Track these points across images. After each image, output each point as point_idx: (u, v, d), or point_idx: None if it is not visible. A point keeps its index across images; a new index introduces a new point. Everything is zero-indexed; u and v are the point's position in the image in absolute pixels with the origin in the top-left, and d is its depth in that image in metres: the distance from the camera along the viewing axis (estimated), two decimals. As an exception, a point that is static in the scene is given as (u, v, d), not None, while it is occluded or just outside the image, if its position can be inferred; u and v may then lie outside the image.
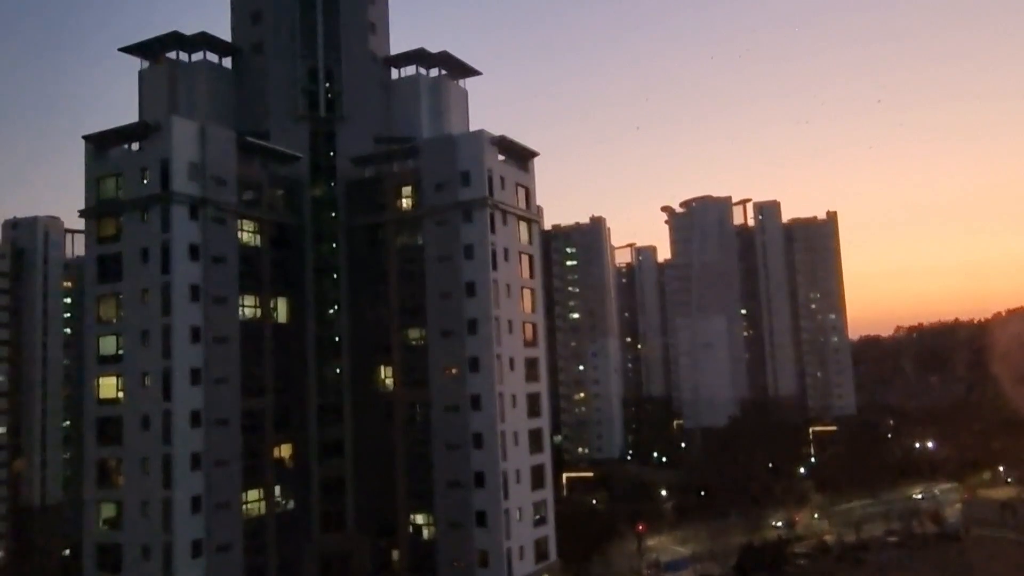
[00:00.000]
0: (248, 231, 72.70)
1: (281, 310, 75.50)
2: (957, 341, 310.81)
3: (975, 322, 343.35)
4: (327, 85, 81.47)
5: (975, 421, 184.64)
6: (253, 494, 69.54)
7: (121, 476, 65.74)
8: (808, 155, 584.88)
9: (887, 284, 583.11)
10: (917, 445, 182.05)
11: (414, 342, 75.71)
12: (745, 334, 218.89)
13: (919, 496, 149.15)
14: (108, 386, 67.44)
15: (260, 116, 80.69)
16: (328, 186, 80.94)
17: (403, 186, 78.10)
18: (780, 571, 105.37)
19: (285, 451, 73.97)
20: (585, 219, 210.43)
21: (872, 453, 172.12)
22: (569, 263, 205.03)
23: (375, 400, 76.83)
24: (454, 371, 72.37)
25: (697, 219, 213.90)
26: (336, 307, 79.60)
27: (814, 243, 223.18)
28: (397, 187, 78.41)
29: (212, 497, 64.67)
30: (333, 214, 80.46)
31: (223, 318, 67.82)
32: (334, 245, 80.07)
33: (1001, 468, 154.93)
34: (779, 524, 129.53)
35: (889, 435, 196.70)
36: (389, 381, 76.65)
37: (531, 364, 76.97)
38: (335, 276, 79.69)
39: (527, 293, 78.27)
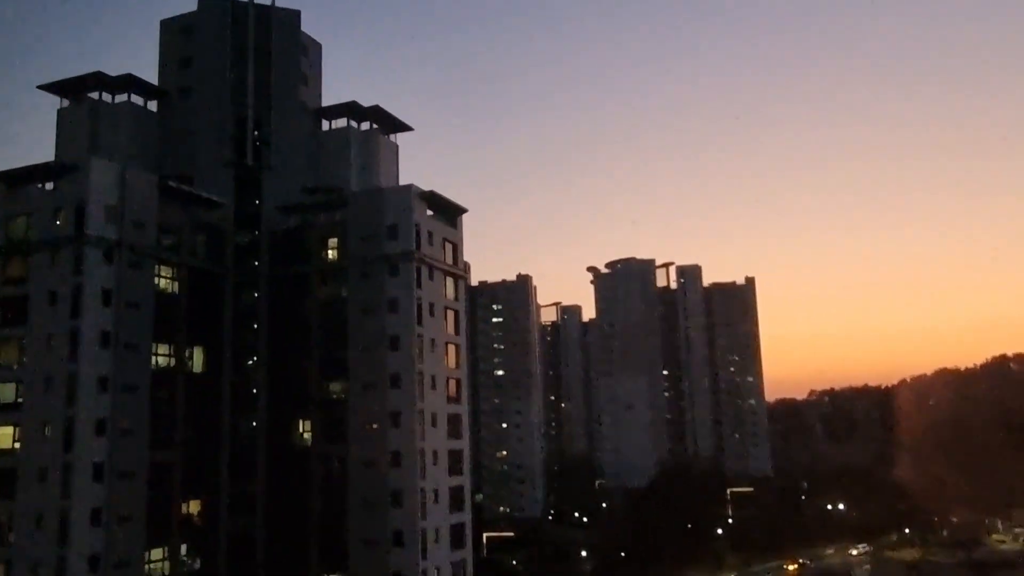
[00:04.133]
0: (166, 277, 70.55)
1: (197, 359, 73.05)
2: (866, 405, 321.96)
3: (883, 387, 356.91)
4: (255, 133, 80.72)
5: (883, 483, 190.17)
6: (157, 553, 66.05)
7: (12, 533, 61.64)
8: (729, 221, 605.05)
9: (802, 348, 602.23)
10: (829, 507, 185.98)
11: (335, 396, 74.13)
12: (666, 394, 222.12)
13: (829, 557, 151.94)
14: (3, 436, 63.66)
15: (184, 161, 79.23)
16: (252, 234, 79.52)
17: (329, 237, 77.35)
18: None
19: (194, 507, 70.79)
20: (512, 276, 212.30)
21: (786, 514, 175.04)
22: (494, 319, 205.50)
23: (291, 455, 74.54)
24: (375, 426, 70.96)
25: (621, 280, 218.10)
26: (255, 358, 77.53)
27: (733, 307, 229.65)
28: (323, 238, 77.61)
29: (112, 555, 61.16)
30: (256, 263, 78.93)
31: (134, 366, 65.21)
32: (256, 294, 78.36)
33: (907, 530, 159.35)
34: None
35: (803, 496, 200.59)
36: (307, 435, 74.60)
37: (454, 420, 76.16)
38: (255, 326, 77.78)
39: (451, 348, 77.83)
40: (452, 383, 77.13)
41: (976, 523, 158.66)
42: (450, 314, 78.32)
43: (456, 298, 79.92)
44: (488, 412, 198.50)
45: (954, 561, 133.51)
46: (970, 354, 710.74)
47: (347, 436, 71.95)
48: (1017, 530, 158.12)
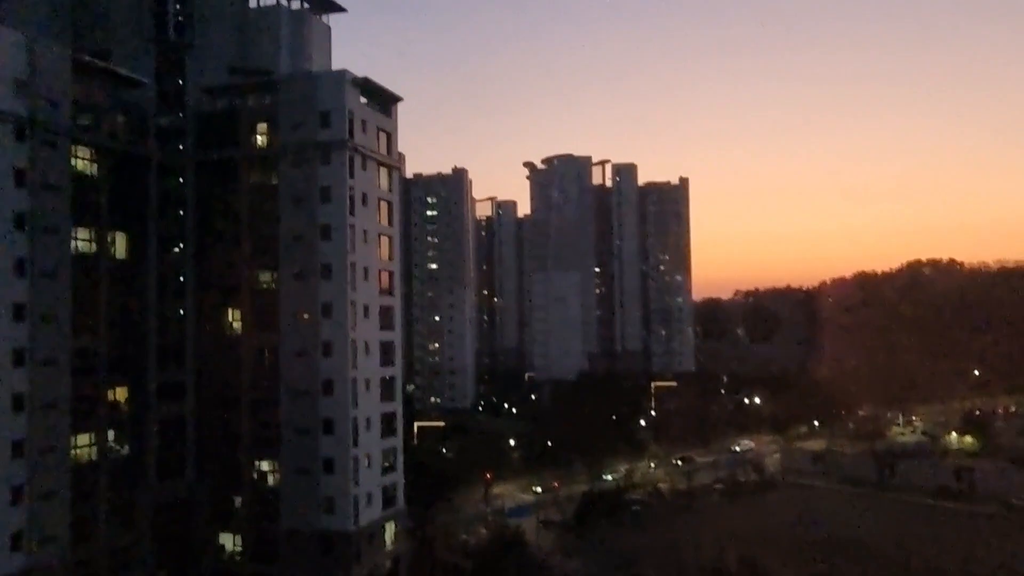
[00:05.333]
0: (84, 158, 67.23)
1: (120, 245, 70.75)
2: (788, 306, 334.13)
3: (804, 289, 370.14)
4: (177, 7, 76.05)
5: (798, 380, 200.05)
6: (83, 439, 65.53)
7: (-71, 418, 60.18)
8: (665, 120, 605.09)
9: (729, 249, 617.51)
10: (746, 401, 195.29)
11: (265, 285, 73.28)
12: (597, 291, 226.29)
13: (744, 448, 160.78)
14: (-85, 320, 61.20)
15: (102, 36, 74.48)
16: (176, 116, 76.09)
17: (258, 122, 74.61)
18: (616, 517, 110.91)
19: (121, 394, 70.02)
20: (447, 169, 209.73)
21: (706, 408, 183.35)
22: (429, 213, 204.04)
23: (221, 343, 74.02)
24: (306, 316, 70.71)
25: (557, 176, 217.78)
26: (182, 245, 75.59)
27: (666, 206, 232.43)
28: (252, 122, 74.82)
29: (36, 441, 60.49)
30: (181, 147, 75.87)
31: (53, 250, 62.79)
32: (181, 180, 75.68)
33: (816, 423, 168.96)
34: (618, 474, 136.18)
35: (723, 391, 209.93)
36: (237, 324, 73.94)
37: (386, 312, 76.35)
38: (181, 213, 75.50)
39: (384, 240, 77.22)
40: (385, 275, 76.92)
41: (880, 417, 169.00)
42: (383, 205, 77.30)
43: (390, 189, 78.75)
44: (421, 305, 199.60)
45: (857, 451, 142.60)
46: (888, 259, 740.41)
47: (278, 325, 71.58)
48: (916, 423, 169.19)
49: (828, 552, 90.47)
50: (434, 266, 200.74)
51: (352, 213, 71.22)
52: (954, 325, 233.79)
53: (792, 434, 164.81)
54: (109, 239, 69.18)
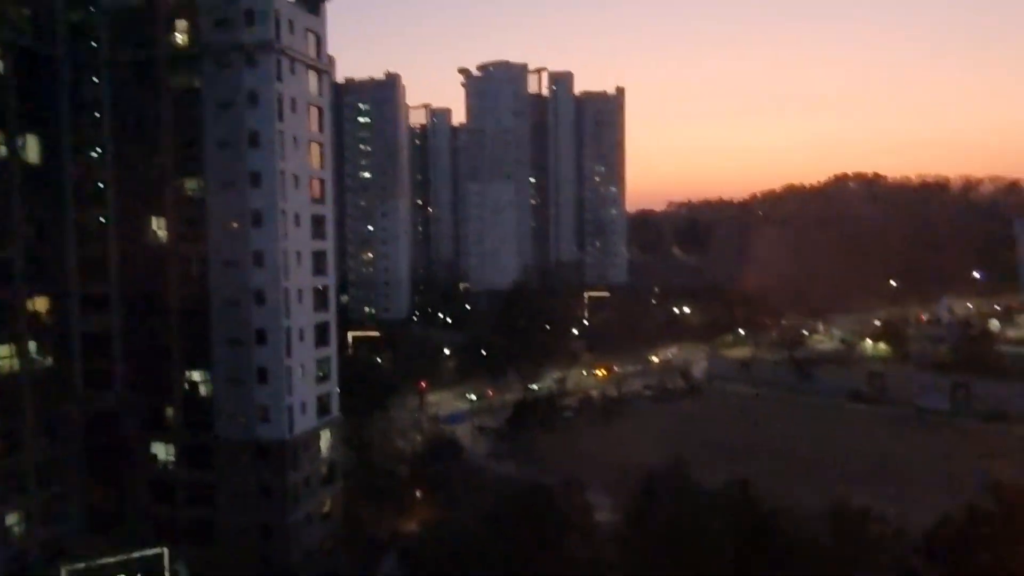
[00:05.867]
0: (-12, 55, 62.87)
1: (31, 149, 67.12)
2: (720, 218, 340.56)
3: (736, 201, 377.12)
4: None
5: (727, 290, 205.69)
6: (3, 350, 63.60)
7: None
8: (601, 28, 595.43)
9: (663, 161, 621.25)
10: (677, 311, 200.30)
11: (191, 193, 70.75)
12: (532, 202, 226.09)
13: (673, 356, 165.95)
14: None
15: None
16: (87, 11, 71.33)
17: (176, 19, 70.42)
18: (549, 423, 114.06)
19: (41, 304, 67.71)
20: (380, 75, 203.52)
21: (638, 318, 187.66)
22: (361, 119, 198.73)
23: (146, 254, 71.66)
24: (235, 225, 68.84)
25: (493, 84, 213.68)
26: (100, 150, 72.14)
27: (602, 117, 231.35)
28: (169, 20, 70.51)
29: (-48, 353, 58.42)
30: (94, 44, 71.43)
31: (-42, 154, 59.30)
32: (96, 81, 71.59)
33: (742, 331, 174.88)
34: (552, 382, 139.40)
35: (654, 301, 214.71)
36: (162, 234, 71.60)
37: (317, 221, 74.87)
38: (98, 115, 71.72)
39: (315, 147, 75.05)
40: (316, 183, 75.11)
41: (802, 326, 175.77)
42: (313, 111, 74.81)
43: (320, 94, 76.07)
44: (354, 215, 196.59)
45: (779, 358, 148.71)
46: (816, 172, 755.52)
47: (206, 235, 69.57)
48: (835, 332, 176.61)
49: (748, 451, 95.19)
50: (367, 175, 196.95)
51: (281, 119, 68.73)
52: (875, 238, 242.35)
53: (719, 343, 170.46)
54: (20, 142, 65.56)
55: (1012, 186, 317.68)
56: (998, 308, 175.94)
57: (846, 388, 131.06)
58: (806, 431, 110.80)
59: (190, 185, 70.71)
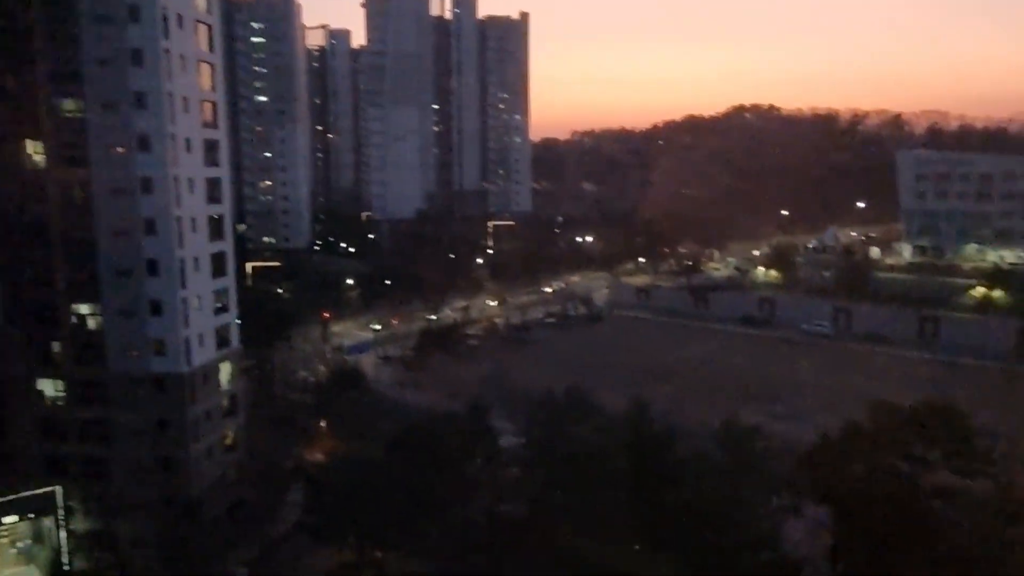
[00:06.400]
0: None
1: None
2: (622, 148, 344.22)
3: (638, 131, 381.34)
4: None
5: (628, 219, 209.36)
6: None
7: None
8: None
9: (567, 90, 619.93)
10: (580, 240, 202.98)
11: (70, 114, 66.23)
12: (435, 128, 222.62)
13: (574, 284, 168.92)
14: None
15: None
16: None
17: (46, -78, 64.70)
18: (454, 351, 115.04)
19: (-95, 235, 62.97)
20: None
21: (542, 247, 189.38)
22: (254, 40, 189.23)
23: (22, 179, 67.04)
24: (120, 150, 65.13)
25: (394, 6, 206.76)
26: (-38, 65, 66.41)
27: (506, 43, 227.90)
28: (38, -77, 64.77)
29: None
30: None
31: None
32: (-46, -13, 65.44)
33: (642, 260, 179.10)
34: (456, 310, 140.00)
35: (557, 231, 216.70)
36: (39, 158, 67.07)
37: (210, 147, 71.61)
38: (-41, 27, 65.79)
39: (205, 68, 71.20)
40: (207, 106, 71.56)
41: (699, 254, 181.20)
42: (202, 28, 70.69)
43: (208, 11, 71.83)
44: (250, 141, 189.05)
45: (676, 285, 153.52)
46: (716, 103, 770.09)
47: (88, 160, 65.59)
48: (730, 259, 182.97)
49: (647, 375, 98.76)
50: (262, 99, 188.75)
51: (166, 36, 64.72)
52: (769, 168, 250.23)
53: (619, 271, 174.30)
54: None
55: (896, 119, 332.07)
56: (875, 236, 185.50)
57: (739, 313, 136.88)
58: (702, 355, 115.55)
59: (68, 106, 66.12)
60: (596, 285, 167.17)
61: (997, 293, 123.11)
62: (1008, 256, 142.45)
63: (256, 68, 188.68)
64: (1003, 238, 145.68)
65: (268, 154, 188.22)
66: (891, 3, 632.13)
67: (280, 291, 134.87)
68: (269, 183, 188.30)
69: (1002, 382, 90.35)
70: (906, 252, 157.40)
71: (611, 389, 78.06)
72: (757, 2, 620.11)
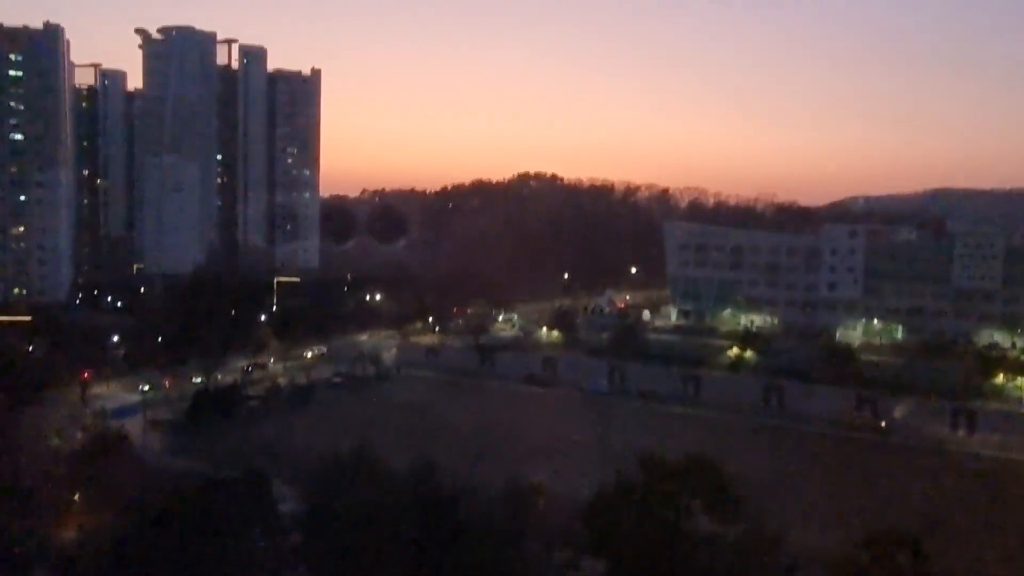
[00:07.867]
0: None
1: None
2: (412, 208, 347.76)
3: (428, 192, 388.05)
4: None
5: (416, 279, 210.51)
6: None
7: None
8: (299, 9, 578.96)
9: (358, 148, 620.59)
10: (368, 298, 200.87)
11: None
12: (219, 181, 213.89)
13: (364, 342, 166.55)
14: None
15: None
16: None
17: None
18: (233, 414, 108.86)
19: None
20: (37, 24, 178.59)
21: (329, 304, 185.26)
22: (13, 73, 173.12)
23: None
24: None
25: (176, 50, 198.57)
26: None
27: (297, 97, 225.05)
28: None
29: None
30: None
31: None
32: None
33: (430, 319, 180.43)
34: (236, 371, 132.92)
35: (346, 288, 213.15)
36: None
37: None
38: None
39: (-50, 100, 64.01)
40: (-49, 143, 64.14)
41: (486, 314, 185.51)
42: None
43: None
44: (3, 182, 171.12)
45: (463, 345, 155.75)
46: (502, 169, 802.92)
47: None
48: (515, 319, 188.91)
49: (434, 434, 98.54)
50: (19, 136, 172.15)
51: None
52: (551, 234, 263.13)
53: (409, 330, 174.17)
54: None
55: (663, 193, 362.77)
56: (646, 300, 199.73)
57: (524, 372, 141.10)
58: (488, 414, 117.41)
59: None
60: (385, 344, 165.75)
61: (748, 353, 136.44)
62: (756, 320, 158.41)
63: (13, 103, 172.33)
64: (752, 304, 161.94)
65: (23, 197, 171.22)
66: (665, 84, 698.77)
67: (32, 349, 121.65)
68: (23, 229, 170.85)
69: (750, 434, 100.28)
70: (673, 315, 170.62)
71: (397, 450, 77.15)
72: (543, 76, 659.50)
